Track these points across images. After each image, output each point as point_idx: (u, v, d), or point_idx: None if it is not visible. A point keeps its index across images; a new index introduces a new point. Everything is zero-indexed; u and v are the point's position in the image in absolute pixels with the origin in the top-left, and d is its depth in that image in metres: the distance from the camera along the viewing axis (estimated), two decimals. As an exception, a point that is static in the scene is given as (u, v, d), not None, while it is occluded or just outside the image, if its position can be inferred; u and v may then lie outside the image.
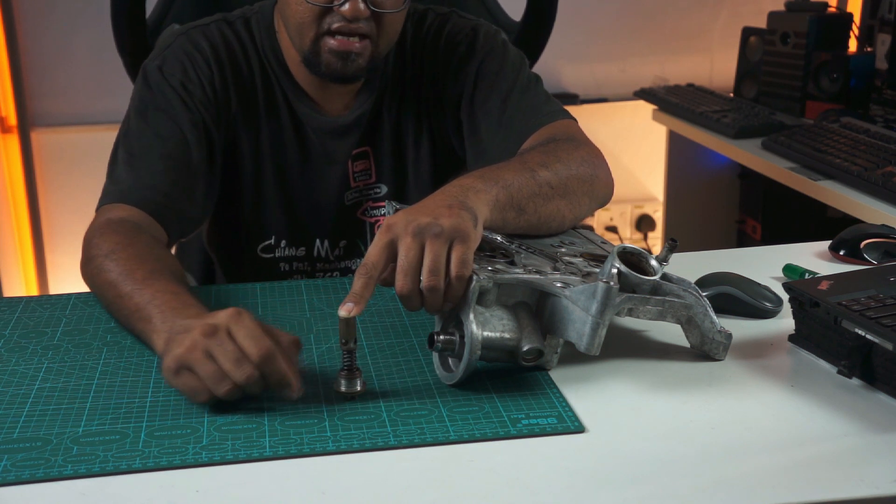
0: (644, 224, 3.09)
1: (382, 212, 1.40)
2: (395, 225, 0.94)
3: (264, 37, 1.33)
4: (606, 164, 1.21)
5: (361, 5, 1.20)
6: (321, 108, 1.34)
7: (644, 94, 2.77)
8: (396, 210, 1.07)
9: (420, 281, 0.93)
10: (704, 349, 1.01)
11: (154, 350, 1.00)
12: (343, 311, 0.90)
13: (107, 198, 1.23)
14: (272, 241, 1.39)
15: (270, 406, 0.92)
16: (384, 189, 1.39)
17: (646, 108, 2.77)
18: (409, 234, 0.93)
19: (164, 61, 1.30)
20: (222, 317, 0.90)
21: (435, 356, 0.98)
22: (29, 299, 1.20)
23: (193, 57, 1.30)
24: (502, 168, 1.09)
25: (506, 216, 1.05)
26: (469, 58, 1.34)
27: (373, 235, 1.39)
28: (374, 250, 0.94)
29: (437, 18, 1.37)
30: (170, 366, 0.90)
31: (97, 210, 1.23)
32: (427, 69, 1.36)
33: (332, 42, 1.23)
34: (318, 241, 1.40)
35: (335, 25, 1.22)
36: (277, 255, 1.39)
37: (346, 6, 1.20)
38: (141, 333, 1.03)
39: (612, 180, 1.22)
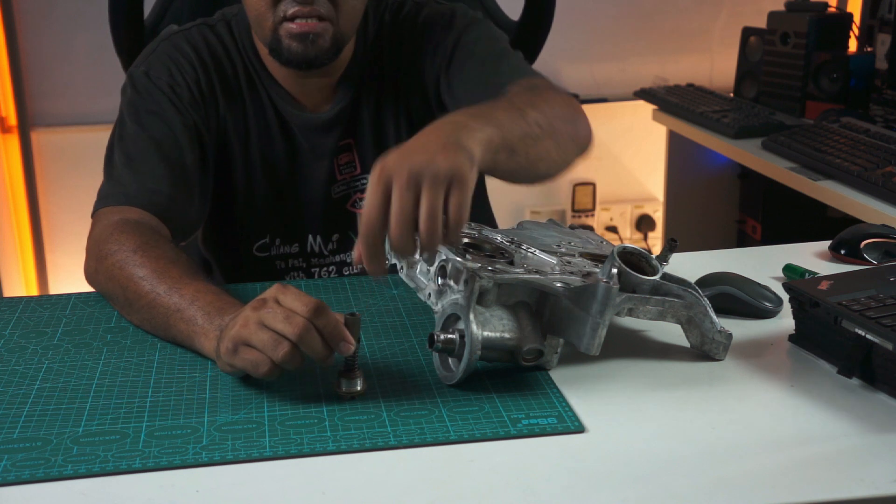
0: (644, 224, 3.09)
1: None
2: (388, 167, 0.89)
3: (244, 37, 1.34)
4: (584, 113, 1.19)
5: None
6: (303, 104, 1.35)
7: (644, 94, 2.77)
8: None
9: (416, 224, 0.89)
10: (704, 349, 1.01)
11: (198, 351, 1.01)
12: (377, 275, 0.90)
13: (108, 200, 1.23)
14: (266, 239, 1.39)
15: (271, 406, 0.92)
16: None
17: (646, 108, 2.77)
18: (405, 178, 0.88)
19: (150, 66, 1.31)
20: (269, 290, 0.93)
21: (435, 356, 0.98)
22: (29, 299, 1.20)
23: (178, 60, 1.31)
24: (493, 107, 1.05)
25: (497, 157, 1.01)
26: (446, 34, 1.34)
27: None
28: (372, 203, 0.89)
29: (414, 6, 1.38)
30: (228, 346, 0.92)
31: (96, 212, 1.22)
32: (405, 54, 1.36)
33: (290, 26, 1.23)
34: (310, 236, 1.40)
35: (290, 11, 1.22)
36: (272, 253, 1.40)
37: None
38: (180, 334, 1.03)
39: (590, 128, 1.19)
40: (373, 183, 0.89)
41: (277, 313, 0.90)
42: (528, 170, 1.07)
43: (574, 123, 1.15)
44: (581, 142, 1.17)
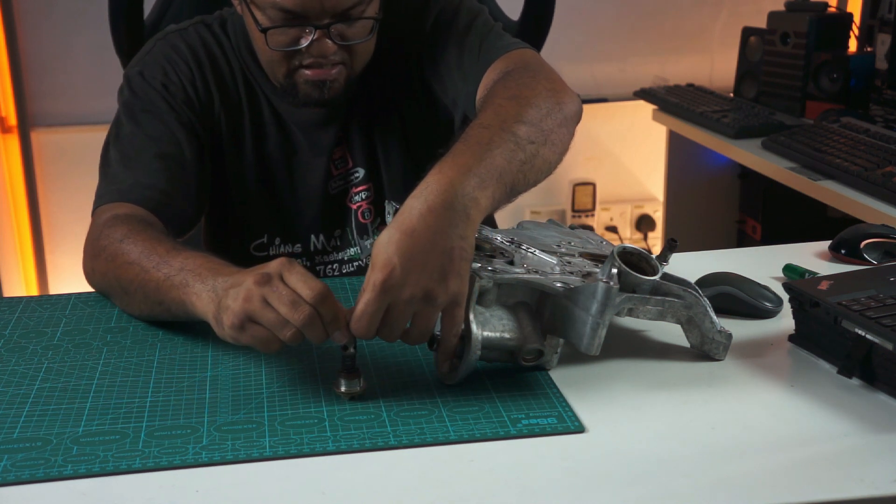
0: (644, 224, 3.09)
1: (379, 207, 1.39)
2: (393, 282, 0.89)
3: (240, 38, 1.33)
4: (564, 83, 1.16)
5: (329, 43, 1.20)
6: None
7: (644, 94, 2.77)
8: (397, 211, 1.07)
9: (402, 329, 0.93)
10: (704, 349, 1.01)
11: (193, 312, 1.00)
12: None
13: (104, 198, 1.23)
14: (264, 239, 1.39)
15: (271, 406, 0.92)
16: (362, 172, 1.38)
17: (646, 108, 2.77)
18: (406, 297, 0.89)
19: (145, 66, 1.31)
20: (273, 265, 0.92)
21: (435, 356, 0.98)
22: (29, 299, 1.20)
23: (173, 59, 1.31)
24: (492, 147, 1.00)
25: (499, 205, 1.01)
26: (423, 16, 1.32)
27: (357, 223, 1.39)
28: (370, 312, 0.90)
29: None
30: (234, 322, 0.91)
31: (94, 212, 1.23)
32: (387, 40, 1.34)
33: (306, 73, 1.23)
34: (312, 236, 1.40)
35: (306, 62, 1.22)
36: (272, 253, 1.39)
37: (314, 47, 1.20)
38: (174, 301, 1.02)
39: (576, 96, 1.15)
40: (376, 290, 0.89)
41: (283, 296, 0.89)
42: (527, 189, 1.05)
43: (561, 109, 1.10)
44: (572, 121, 1.13)
